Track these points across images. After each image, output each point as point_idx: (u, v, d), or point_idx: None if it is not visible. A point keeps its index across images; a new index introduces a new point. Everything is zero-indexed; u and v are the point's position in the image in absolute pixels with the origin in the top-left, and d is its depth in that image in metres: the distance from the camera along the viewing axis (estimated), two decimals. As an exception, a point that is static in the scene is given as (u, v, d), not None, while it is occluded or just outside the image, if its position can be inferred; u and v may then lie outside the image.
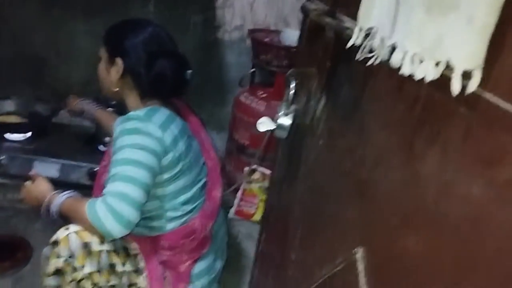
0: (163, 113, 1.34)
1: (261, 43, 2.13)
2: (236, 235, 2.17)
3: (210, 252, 1.52)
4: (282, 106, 0.96)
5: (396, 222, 0.72)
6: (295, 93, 0.95)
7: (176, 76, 1.38)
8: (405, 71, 0.61)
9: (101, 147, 2.19)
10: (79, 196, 1.32)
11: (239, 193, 2.25)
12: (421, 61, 0.60)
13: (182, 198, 1.40)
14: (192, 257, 1.44)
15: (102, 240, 1.26)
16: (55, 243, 1.24)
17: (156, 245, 1.40)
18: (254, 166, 2.20)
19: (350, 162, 0.85)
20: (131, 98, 1.41)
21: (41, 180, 1.39)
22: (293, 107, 0.97)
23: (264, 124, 0.99)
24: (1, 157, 2.05)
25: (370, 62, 0.73)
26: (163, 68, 1.35)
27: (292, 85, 0.94)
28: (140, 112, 1.30)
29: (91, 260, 1.25)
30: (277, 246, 1.14)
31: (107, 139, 2.21)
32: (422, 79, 0.60)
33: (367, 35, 0.74)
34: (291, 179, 1.06)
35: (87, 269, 1.25)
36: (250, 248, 2.10)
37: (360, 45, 0.75)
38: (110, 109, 2.20)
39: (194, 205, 1.44)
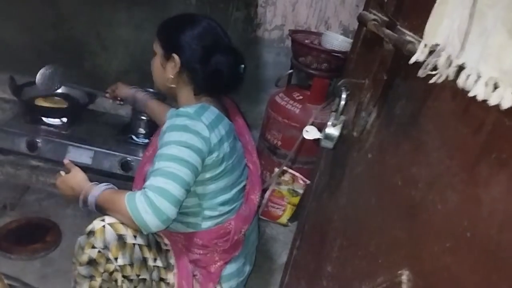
0: (213, 112, 1.34)
1: (302, 44, 2.11)
2: (261, 236, 2.16)
3: (241, 256, 1.52)
4: (331, 116, 0.94)
5: (449, 247, 0.70)
6: (345, 104, 0.93)
7: (232, 72, 1.39)
8: (478, 95, 0.59)
9: (135, 138, 2.21)
10: (116, 189, 1.33)
11: (267, 194, 2.23)
12: (497, 87, 0.57)
13: (221, 198, 1.40)
14: (224, 258, 1.44)
15: (136, 234, 1.27)
16: (91, 233, 1.25)
17: (189, 242, 1.41)
18: (285, 168, 2.18)
19: (401, 179, 0.82)
20: (185, 94, 1.42)
21: (77, 171, 1.39)
22: (342, 117, 0.94)
23: (310, 133, 0.97)
24: (37, 140, 2.09)
25: (432, 80, 0.71)
26: (220, 64, 1.36)
27: (344, 95, 0.91)
28: (191, 109, 1.29)
29: (124, 253, 1.26)
30: (312, 255, 1.12)
31: (141, 130, 2.23)
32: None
33: (431, 52, 0.71)
34: (333, 190, 1.04)
35: (120, 261, 1.25)
36: (275, 250, 2.09)
37: (423, 61, 0.72)
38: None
39: (232, 206, 1.44)
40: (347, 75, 0.96)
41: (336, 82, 2.01)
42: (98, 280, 1.28)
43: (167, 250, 1.38)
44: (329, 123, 0.95)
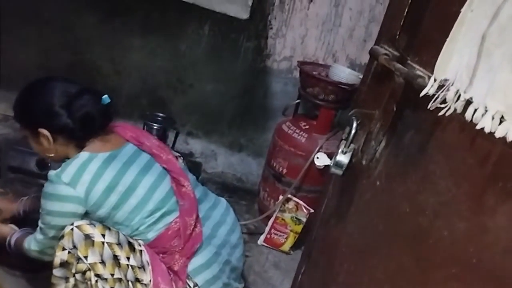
0: (80, 158, 1.40)
1: (310, 75, 2.16)
2: (263, 263, 2.17)
3: (207, 246, 1.51)
4: (341, 144, 0.98)
5: (455, 273, 0.73)
6: (355, 133, 0.97)
7: (98, 105, 1.43)
8: (485, 127, 0.63)
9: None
10: (27, 233, 1.56)
11: (270, 221, 2.25)
12: (503, 120, 0.61)
13: (143, 213, 1.44)
14: (184, 254, 1.46)
15: (104, 233, 1.37)
16: (61, 237, 1.37)
17: (150, 252, 1.46)
18: (289, 195, 2.21)
19: (409, 207, 0.85)
20: (71, 152, 1.46)
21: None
22: (352, 146, 0.98)
23: (321, 159, 1.01)
24: (47, 159, 2.12)
25: (441, 113, 0.75)
26: (83, 106, 1.40)
27: (354, 124, 0.95)
28: (55, 171, 1.38)
29: (94, 251, 1.33)
30: (319, 281, 1.14)
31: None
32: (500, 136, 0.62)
33: (441, 86, 0.76)
34: (341, 216, 1.07)
35: (90, 259, 1.33)
36: (276, 277, 2.10)
37: (433, 95, 0.77)
38: (155, 125, 2.27)
39: (164, 209, 1.46)
40: (357, 106, 1.01)
41: (344, 113, 2.07)
42: (71, 281, 1.37)
43: (141, 251, 1.42)
44: (339, 150, 0.98)
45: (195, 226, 1.49)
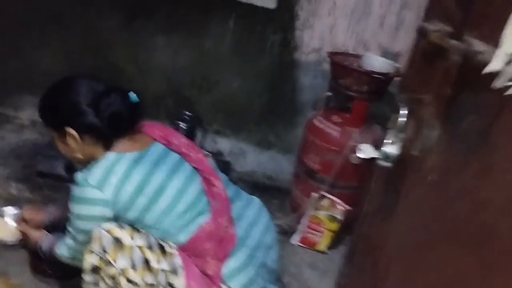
0: (107, 159, 1.35)
1: (342, 66, 2.07)
2: (298, 264, 2.08)
3: (241, 248, 1.44)
4: (389, 133, 0.89)
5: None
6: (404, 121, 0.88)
7: (126, 104, 1.39)
8: None
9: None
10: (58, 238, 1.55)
11: (304, 219, 2.17)
12: None
13: (174, 215, 1.38)
14: (217, 258, 1.39)
15: (133, 235, 1.32)
16: (89, 240, 1.34)
17: (183, 255, 1.40)
18: (323, 193, 2.12)
19: (469, 203, 0.76)
20: (98, 152, 1.40)
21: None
22: (400, 135, 0.89)
23: (365, 152, 0.92)
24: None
25: (509, 92, 0.65)
26: (111, 104, 1.36)
27: (403, 112, 0.86)
28: (82, 172, 1.35)
29: (123, 255, 1.29)
30: (363, 282, 1.05)
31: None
32: None
33: (508, 62, 0.66)
34: (386, 214, 0.98)
35: (120, 263, 1.28)
36: (313, 278, 2.01)
37: (497, 72, 0.67)
38: (183, 125, 2.22)
39: (196, 210, 1.40)
40: (404, 91, 0.91)
41: (378, 104, 1.95)
42: (101, 286, 1.33)
43: (173, 254, 1.36)
44: (387, 141, 0.89)
45: (228, 227, 1.42)
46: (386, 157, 0.89)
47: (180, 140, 1.51)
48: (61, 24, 2.45)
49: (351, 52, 2.31)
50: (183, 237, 1.38)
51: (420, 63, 0.91)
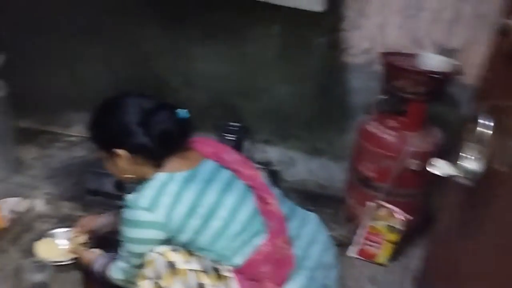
0: (158, 180, 1.32)
1: (395, 67, 1.94)
2: (357, 277, 1.97)
3: (300, 270, 1.36)
4: (470, 148, 0.78)
5: None
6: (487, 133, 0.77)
7: (175, 121, 1.35)
8: None
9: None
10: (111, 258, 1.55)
11: (361, 230, 2.05)
12: None
13: (228, 236, 1.31)
14: (276, 281, 1.31)
15: (188, 259, 1.28)
16: (142, 265, 1.32)
17: (239, 278, 1.33)
18: (380, 202, 2.00)
19: None
20: (148, 172, 1.37)
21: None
22: (482, 149, 0.78)
23: (438, 167, 0.81)
24: (124, 180, 2.07)
25: None
26: (161, 123, 1.33)
27: (484, 122, 0.75)
28: (132, 194, 1.32)
29: (178, 280, 1.25)
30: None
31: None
32: None
33: None
34: (467, 235, 0.87)
35: None
36: (374, 293, 1.90)
37: None
38: (230, 136, 2.15)
39: (251, 231, 1.33)
40: (483, 98, 0.80)
41: (437, 105, 1.82)
42: None
43: (228, 278, 1.30)
44: (466, 155, 0.78)
45: (286, 248, 1.34)
46: (466, 173, 0.78)
47: (232, 156, 1.45)
48: (104, 38, 2.45)
49: (403, 51, 2.18)
50: (239, 260, 1.32)
51: (502, 65, 0.79)
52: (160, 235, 1.30)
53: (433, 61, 1.92)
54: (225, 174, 1.39)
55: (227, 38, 2.33)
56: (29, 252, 1.82)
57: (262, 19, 2.26)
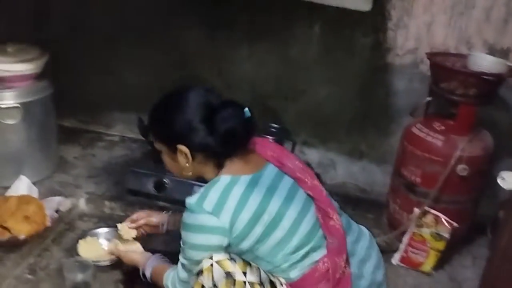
0: (222, 182, 1.26)
1: (444, 68, 1.86)
2: (401, 286, 1.90)
3: None
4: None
5: None
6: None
7: (241, 120, 1.27)
8: None
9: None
10: (164, 263, 1.52)
11: (405, 238, 1.98)
12: None
13: (288, 248, 1.26)
14: None
15: (245, 270, 1.23)
16: (199, 272, 1.25)
17: None
18: (426, 208, 1.92)
19: None
20: (209, 171, 1.33)
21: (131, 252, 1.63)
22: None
23: (509, 182, 0.75)
24: (165, 180, 2.07)
25: None
26: (226, 121, 1.25)
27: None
28: (195, 197, 1.26)
29: None
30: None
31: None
32: None
33: None
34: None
35: None
36: (419, 303, 1.83)
37: None
38: (270, 138, 2.12)
39: (310, 245, 1.28)
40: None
41: (488, 109, 1.72)
42: None
43: None
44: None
45: (345, 267, 1.28)
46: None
47: (294, 163, 1.39)
48: (146, 39, 2.46)
49: (452, 51, 2.09)
50: (294, 274, 1.27)
51: None
52: (224, 241, 1.24)
53: (484, 62, 1.84)
54: (288, 181, 1.33)
55: (268, 40, 2.31)
56: (71, 251, 1.84)
57: (302, 21, 2.23)
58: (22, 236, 1.83)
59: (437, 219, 1.92)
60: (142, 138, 2.27)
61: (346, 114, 2.37)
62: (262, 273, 1.25)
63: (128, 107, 2.62)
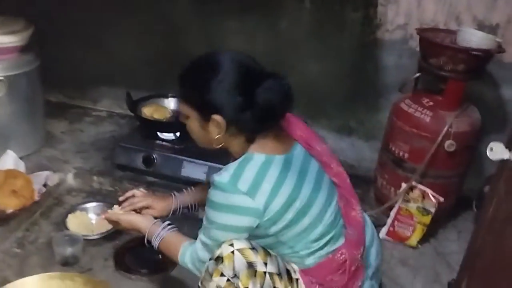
0: (257, 161, 1.18)
1: (433, 43, 1.86)
2: (388, 260, 1.93)
3: (366, 281, 1.33)
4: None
5: None
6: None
7: (281, 94, 1.19)
8: None
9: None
10: (176, 233, 1.40)
11: (393, 212, 2.01)
12: None
13: (312, 236, 1.23)
14: None
15: (266, 261, 1.19)
16: (219, 258, 1.18)
17: (303, 280, 1.26)
18: (413, 183, 1.95)
19: None
20: (237, 145, 1.25)
21: (135, 216, 1.48)
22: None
23: (497, 152, 0.76)
24: (154, 156, 2.07)
25: None
26: (267, 95, 1.16)
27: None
28: (227, 175, 1.16)
29: (255, 282, 1.16)
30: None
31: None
32: None
33: None
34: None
35: None
36: (405, 275, 1.86)
37: None
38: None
39: (331, 234, 1.26)
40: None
41: (476, 84, 1.73)
42: None
43: (297, 280, 1.25)
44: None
45: (361, 260, 1.28)
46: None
47: (322, 146, 1.34)
48: (133, 12, 2.43)
49: (442, 27, 2.09)
50: (310, 261, 1.26)
51: None
52: (255, 223, 1.17)
53: (473, 38, 1.84)
54: (315, 165, 1.29)
55: (258, 14, 2.28)
56: (60, 225, 1.85)
57: (294, -7, 2.21)
58: (9, 210, 1.82)
59: (423, 194, 1.95)
60: (131, 113, 2.25)
61: (335, 90, 2.37)
62: (280, 262, 1.23)
63: (116, 82, 2.59)
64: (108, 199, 1.98)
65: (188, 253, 1.32)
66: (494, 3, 2.04)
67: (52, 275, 1.50)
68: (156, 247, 1.39)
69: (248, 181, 1.15)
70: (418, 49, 2.02)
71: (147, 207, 1.54)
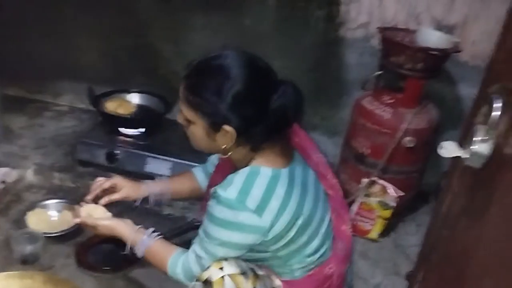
0: (265, 176, 1.12)
1: (393, 42, 1.91)
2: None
3: None
4: (479, 129, 0.76)
5: None
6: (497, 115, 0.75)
7: (295, 103, 1.15)
8: None
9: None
10: (162, 241, 1.34)
11: (354, 207, 2.06)
12: None
13: (307, 250, 1.23)
14: None
15: (255, 285, 1.18)
16: (207, 282, 1.16)
17: None
18: (374, 178, 2.00)
19: None
20: (241, 152, 1.18)
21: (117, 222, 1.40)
22: (492, 132, 0.76)
23: (449, 150, 0.80)
24: (116, 152, 2.04)
25: None
26: (281, 104, 1.11)
27: (498, 105, 0.73)
28: (234, 190, 1.10)
29: None
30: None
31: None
32: None
33: None
34: (474, 218, 0.86)
35: None
36: (365, 269, 1.92)
37: None
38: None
39: (325, 248, 1.26)
40: (496, 79, 0.78)
41: (433, 82, 1.78)
42: None
43: None
44: (476, 138, 0.77)
45: (346, 274, 1.30)
46: (475, 156, 0.77)
47: (318, 156, 1.31)
48: (96, 5, 2.37)
49: (402, 26, 2.15)
50: (299, 273, 1.25)
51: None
52: (258, 241, 1.13)
53: (431, 37, 1.90)
54: (312, 176, 1.25)
55: (223, 10, 2.28)
56: (19, 223, 1.80)
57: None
58: (-35, 208, 1.76)
59: (384, 189, 2.00)
60: (93, 108, 2.21)
61: (299, 86, 2.37)
62: (267, 282, 1.22)
63: (77, 76, 2.53)
64: (70, 196, 1.94)
65: (180, 264, 1.26)
66: (452, 4, 2.11)
67: (11, 274, 1.47)
68: (141, 255, 1.34)
69: (257, 199, 1.10)
70: (379, 47, 2.07)
71: (113, 187, 1.50)
